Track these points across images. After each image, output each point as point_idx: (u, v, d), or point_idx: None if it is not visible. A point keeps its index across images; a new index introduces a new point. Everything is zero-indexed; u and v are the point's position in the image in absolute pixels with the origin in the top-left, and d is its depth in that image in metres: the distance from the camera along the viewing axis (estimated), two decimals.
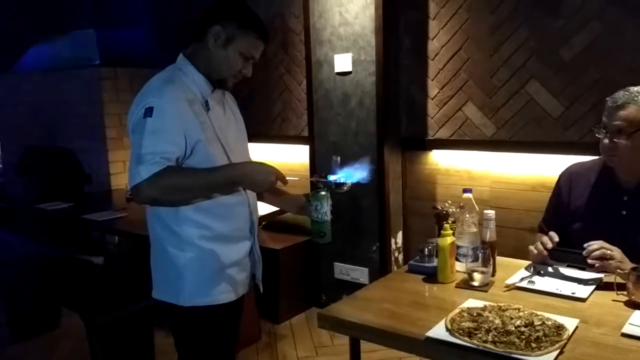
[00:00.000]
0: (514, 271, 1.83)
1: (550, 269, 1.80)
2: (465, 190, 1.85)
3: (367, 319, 1.54)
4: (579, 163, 2.04)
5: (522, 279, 1.74)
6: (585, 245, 1.68)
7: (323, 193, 1.61)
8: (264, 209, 1.95)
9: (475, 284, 1.72)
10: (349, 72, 3.27)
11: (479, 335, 1.34)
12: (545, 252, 1.76)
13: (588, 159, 2.04)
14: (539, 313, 1.44)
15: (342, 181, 1.63)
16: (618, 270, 1.63)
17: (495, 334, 1.34)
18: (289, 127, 3.99)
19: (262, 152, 3.93)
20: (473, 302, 1.56)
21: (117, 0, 4.96)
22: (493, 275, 1.78)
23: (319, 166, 3.47)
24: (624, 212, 1.82)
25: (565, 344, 1.31)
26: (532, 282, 1.71)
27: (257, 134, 3.78)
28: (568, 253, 1.75)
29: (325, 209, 1.61)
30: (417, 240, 3.25)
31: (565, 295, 1.62)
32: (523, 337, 1.32)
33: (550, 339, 1.31)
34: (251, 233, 1.75)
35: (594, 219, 1.87)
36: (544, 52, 2.82)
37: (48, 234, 4.41)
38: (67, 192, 4.49)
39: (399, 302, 1.66)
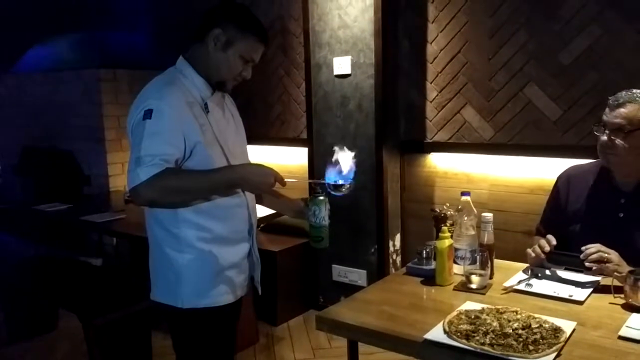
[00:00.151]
0: (512, 274, 1.83)
1: (547, 272, 1.81)
2: (463, 193, 1.85)
3: (365, 321, 1.54)
4: (577, 165, 2.05)
5: (519, 282, 1.75)
6: (583, 248, 1.69)
7: (321, 198, 1.61)
8: (262, 211, 1.95)
9: (473, 286, 1.72)
10: (348, 75, 3.27)
11: (477, 337, 1.34)
12: (542, 255, 1.77)
13: (586, 162, 2.05)
14: (536, 316, 1.45)
15: (340, 182, 1.63)
16: (615, 273, 1.63)
17: (493, 336, 1.34)
18: (287, 129, 4.00)
19: (261, 154, 3.93)
20: (471, 305, 1.56)
21: (117, 2, 4.96)
22: (491, 277, 1.79)
23: (317, 168, 3.47)
24: (621, 215, 1.82)
25: (563, 346, 1.32)
26: (530, 285, 1.72)
27: (256, 136, 3.78)
28: (565, 256, 1.76)
29: (323, 213, 1.61)
30: (415, 242, 3.25)
31: (563, 298, 1.62)
32: (520, 339, 1.32)
33: (547, 342, 1.31)
34: (250, 235, 1.75)
35: (591, 221, 1.88)
36: (542, 56, 2.83)
37: (46, 236, 4.41)
38: (66, 194, 4.49)
39: (397, 304, 1.66)
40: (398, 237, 3.42)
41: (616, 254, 1.67)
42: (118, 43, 4.85)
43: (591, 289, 1.67)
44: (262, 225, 3.55)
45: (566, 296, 1.63)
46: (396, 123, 3.35)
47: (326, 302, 3.45)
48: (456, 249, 1.81)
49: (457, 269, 1.81)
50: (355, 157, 1.64)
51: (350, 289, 2.97)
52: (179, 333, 1.71)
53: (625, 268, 1.64)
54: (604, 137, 1.77)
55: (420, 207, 3.33)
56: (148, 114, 1.51)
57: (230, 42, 1.60)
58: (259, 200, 1.86)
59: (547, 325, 1.39)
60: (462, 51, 3.10)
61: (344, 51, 3.27)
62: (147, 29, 4.88)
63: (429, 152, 3.32)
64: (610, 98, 1.79)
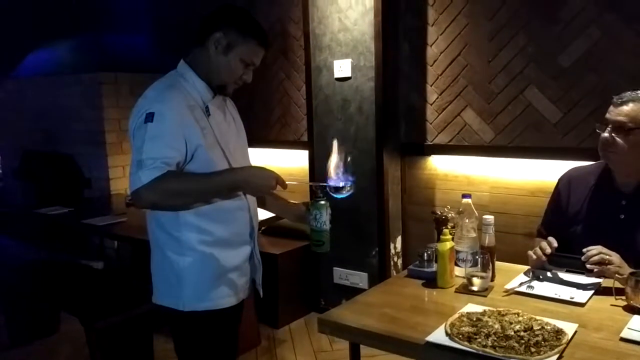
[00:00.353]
0: (513, 276, 1.83)
1: (549, 274, 1.81)
2: (464, 196, 1.86)
3: (367, 324, 1.55)
4: (578, 167, 2.05)
5: (521, 284, 1.75)
6: (584, 250, 1.69)
7: (322, 202, 1.61)
8: (263, 214, 1.96)
9: (475, 288, 1.72)
10: (349, 78, 3.28)
11: (479, 339, 1.34)
12: (544, 258, 1.77)
13: (587, 164, 2.05)
14: (538, 318, 1.45)
15: (341, 185, 1.63)
16: (617, 275, 1.63)
17: (495, 338, 1.34)
18: (288, 132, 4.00)
19: (261, 157, 3.93)
20: (472, 307, 1.56)
21: (117, 6, 4.97)
22: (492, 280, 1.79)
23: (318, 171, 3.48)
24: (622, 216, 1.83)
25: (565, 348, 1.32)
26: (531, 287, 1.72)
27: (257, 139, 3.79)
28: (567, 258, 1.76)
29: (324, 218, 1.61)
30: (416, 245, 3.25)
31: (564, 300, 1.63)
32: (522, 341, 1.32)
33: (549, 344, 1.31)
34: (251, 238, 1.75)
35: (592, 222, 1.88)
36: (542, 59, 2.84)
37: (47, 239, 4.41)
38: (67, 197, 4.50)
39: (399, 307, 1.66)
40: (399, 239, 3.42)
41: (617, 255, 1.67)
42: (119, 46, 4.86)
43: (592, 291, 1.67)
44: (263, 228, 3.56)
45: (567, 298, 1.63)
46: (396, 126, 3.35)
47: (327, 305, 3.45)
48: (457, 252, 1.82)
49: (459, 271, 1.82)
50: (348, 157, 1.65)
51: (352, 292, 2.98)
52: (180, 336, 1.71)
53: (627, 270, 1.64)
54: (606, 134, 1.78)
55: (421, 210, 3.33)
56: (149, 117, 1.51)
57: (231, 46, 1.61)
58: (261, 204, 1.87)
59: (548, 327, 1.39)
60: (462, 54, 3.11)
61: (344, 54, 3.27)
62: (147, 32, 4.89)
63: (429, 154, 3.32)
64: (614, 97, 1.80)
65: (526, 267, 1.89)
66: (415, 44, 3.28)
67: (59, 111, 4.83)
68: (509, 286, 1.75)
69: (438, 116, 3.25)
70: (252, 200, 1.75)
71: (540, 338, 1.34)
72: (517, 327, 1.39)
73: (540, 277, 1.80)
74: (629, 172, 1.83)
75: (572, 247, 1.82)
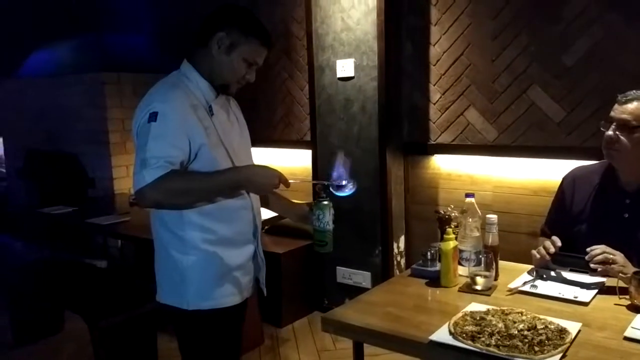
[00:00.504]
0: (517, 275, 1.83)
1: (552, 273, 1.81)
2: (467, 195, 1.86)
3: (370, 323, 1.55)
4: (582, 166, 2.05)
5: (524, 283, 1.75)
6: (588, 249, 1.69)
7: (325, 202, 1.61)
8: (267, 213, 1.96)
9: (478, 288, 1.72)
10: (351, 78, 3.28)
11: (482, 338, 1.34)
12: (547, 257, 1.77)
13: (590, 163, 2.05)
14: (541, 317, 1.45)
15: (343, 183, 1.64)
16: (620, 275, 1.63)
17: (499, 337, 1.34)
18: (291, 132, 4.01)
19: (264, 157, 3.94)
20: (476, 306, 1.56)
21: (120, 6, 4.99)
22: (496, 279, 1.79)
23: (321, 170, 3.48)
24: (627, 215, 1.83)
25: (568, 347, 1.32)
26: (535, 286, 1.72)
27: (260, 139, 3.78)
28: (570, 257, 1.76)
29: (327, 218, 1.61)
30: (419, 244, 3.26)
31: (568, 299, 1.63)
32: (526, 340, 1.32)
33: (553, 343, 1.31)
34: (254, 237, 1.76)
35: (596, 221, 1.88)
36: (545, 58, 2.84)
37: (51, 238, 4.42)
38: (71, 197, 4.51)
39: (402, 306, 1.66)
40: (402, 239, 3.42)
41: (621, 255, 1.67)
42: (122, 46, 4.87)
43: (596, 290, 1.67)
44: (266, 227, 3.56)
45: (571, 297, 1.63)
46: (399, 125, 3.35)
47: (331, 304, 3.45)
48: (461, 251, 1.82)
49: (462, 270, 1.82)
50: (348, 158, 1.66)
51: (355, 291, 2.98)
52: (184, 335, 1.72)
53: (631, 269, 1.64)
54: (610, 132, 1.78)
55: (424, 209, 3.33)
56: (153, 116, 1.52)
57: (233, 46, 1.61)
58: (264, 204, 1.87)
59: (552, 327, 1.39)
60: (465, 53, 3.10)
61: (347, 54, 3.28)
62: (150, 32, 4.90)
63: (432, 154, 3.32)
64: (619, 95, 1.81)
65: (530, 267, 1.89)
66: (418, 43, 3.27)
67: (63, 111, 4.84)
68: (512, 285, 1.75)
69: (441, 115, 3.25)
70: (255, 199, 1.76)
71: (543, 337, 1.34)
72: (521, 326, 1.39)
73: (544, 276, 1.80)
74: (632, 170, 1.83)
75: (576, 246, 1.82)
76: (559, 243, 1.78)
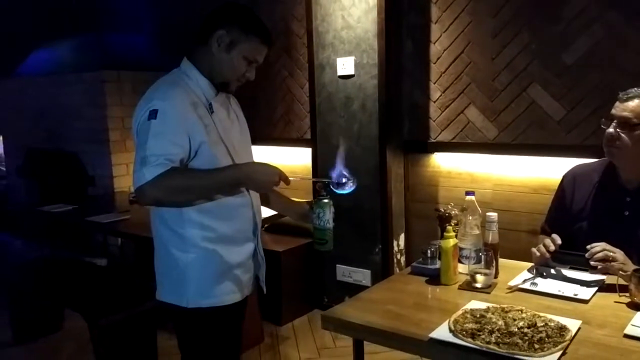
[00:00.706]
0: (517, 273, 1.83)
1: (552, 271, 1.81)
2: (468, 193, 1.86)
3: (371, 321, 1.55)
4: (582, 164, 2.05)
5: (524, 281, 1.75)
6: (588, 247, 1.69)
7: (326, 201, 1.61)
8: (267, 211, 1.96)
9: (478, 285, 1.73)
10: (352, 76, 3.28)
11: (482, 336, 1.34)
12: (547, 254, 1.77)
13: (591, 161, 2.05)
14: (541, 314, 1.45)
15: (344, 181, 1.64)
16: (620, 272, 1.63)
17: (499, 335, 1.34)
18: (291, 130, 4.01)
19: (265, 155, 3.94)
20: (476, 304, 1.57)
21: (120, 4, 4.98)
22: (496, 277, 1.79)
23: (321, 168, 3.48)
24: (627, 213, 1.83)
25: (568, 345, 1.32)
26: (535, 284, 1.72)
27: (260, 137, 3.79)
28: (570, 255, 1.76)
29: (327, 216, 1.61)
30: (419, 242, 3.26)
31: (568, 296, 1.63)
32: (526, 338, 1.32)
33: (553, 340, 1.31)
34: (254, 235, 1.76)
35: (596, 219, 1.88)
36: (545, 56, 2.83)
37: (51, 237, 4.43)
38: (71, 195, 4.51)
39: (403, 303, 1.66)
40: (402, 237, 3.43)
41: (621, 252, 1.67)
42: (121, 45, 4.87)
43: (596, 288, 1.67)
44: (266, 225, 3.56)
45: (571, 295, 1.63)
46: (400, 123, 3.35)
47: (330, 302, 3.45)
48: (461, 249, 1.82)
49: (462, 268, 1.82)
50: (345, 154, 1.66)
51: (355, 289, 2.98)
52: (184, 332, 1.72)
53: (631, 267, 1.64)
54: (611, 130, 1.78)
55: (424, 207, 3.33)
56: (153, 114, 1.52)
57: (233, 44, 1.61)
58: (265, 202, 1.87)
59: (552, 324, 1.39)
60: (466, 51, 3.10)
61: (348, 52, 3.27)
62: (150, 31, 4.90)
63: (432, 152, 3.32)
64: (620, 92, 1.81)
65: (530, 264, 1.89)
66: (418, 41, 3.27)
67: (63, 109, 4.84)
68: (512, 283, 1.75)
69: (441, 114, 3.25)
70: (255, 197, 1.75)
71: (543, 334, 1.34)
72: (521, 323, 1.39)
73: (544, 274, 1.80)
74: (633, 168, 1.83)
75: (576, 244, 1.82)
76: (559, 241, 1.78)
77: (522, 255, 2.00)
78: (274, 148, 4.04)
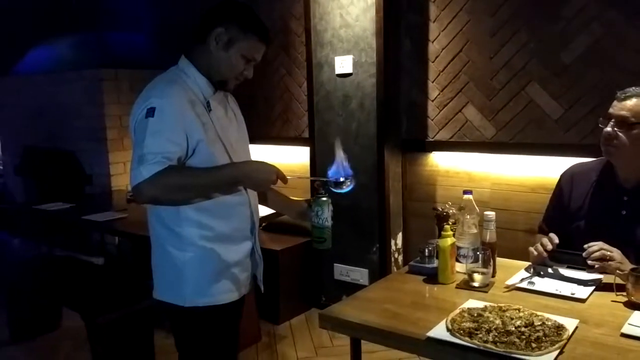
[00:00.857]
0: (514, 272, 1.83)
1: (550, 270, 1.81)
2: (465, 192, 1.86)
3: (368, 320, 1.55)
4: (580, 163, 2.05)
5: (522, 280, 1.75)
6: (585, 246, 1.69)
7: (324, 199, 1.61)
8: (264, 210, 1.96)
9: (476, 284, 1.72)
10: (350, 74, 3.28)
11: (480, 335, 1.34)
12: (545, 254, 1.77)
13: (589, 160, 2.05)
14: (539, 313, 1.45)
15: (342, 180, 1.63)
16: (617, 271, 1.63)
17: (496, 334, 1.34)
18: (289, 129, 4.00)
19: (262, 153, 3.94)
20: (473, 303, 1.56)
21: (119, 2, 4.97)
22: (493, 276, 1.79)
23: (319, 167, 3.47)
24: (624, 212, 1.83)
25: (565, 344, 1.32)
26: (532, 283, 1.72)
27: (258, 135, 3.78)
28: (568, 254, 1.76)
29: (326, 214, 1.61)
30: (417, 241, 3.26)
31: (565, 295, 1.62)
32: (523, 337, 1.32)
33: (550, 339, 1.31)
34: (252, 233, 1.75)
35: (594, 218, 1.88)
36: (544, 55, 2.84)
37: (49, 235, 4.42)
38: (68, 193, 4.50)
39: (400, 302, 1.66)
40: (400, 236, 3.43)
41: (618, 251, 1.67)
42: (119, 43, 4.86)
43: (593, 287, 1.67)
44: (264, 224, 3.56)
45: (568, 294, 1.63)
46: (398, 122, 3.35)
47: (328, 301, 3.45)
48: (458, 248, 1.82)
49: (460, 267, 1.81)
50: (346, 154, 1.65)
51: (352, 288, 2.98)
52: (181, 331, 1.72)
53: (628, 266, 1.64)
54: (608, 129, 1.78)
55: (422, 206, 3.33)
56: (150, 112, 1.51)
57: (232, 42, 1.60)
58: (263, 201, 1.87)
59: (549, 323, 1.39)
60: (464, 50, 3.10)
61: (346, 50, 3.27)
62: (148, 29, 4.89)
63: (430, 151, 3.32)
64: (618, 91, 1.81)
65: (527, 263, 1.89)
66: (416, 40, 3.27)
67: (60, 108, 4.83)
68: (510, 282, 1.75)
69: (439, 112, 3.25)
70: (253, 195, 1.75)
71: (541, 333, 1.34)
72: (518, 322, 1.39)
73: (541, 273, 1.80)
74: (630, 167, 1.83)
75: (574, 243, 1.82)
76: (556, 240, 1.78)
77: (519, 254, 2.00)
78: (272, 147, 4.04)
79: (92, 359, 2.68)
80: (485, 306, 1.52)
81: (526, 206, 2.97)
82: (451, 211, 1.95)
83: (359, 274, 3.42)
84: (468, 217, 1.82)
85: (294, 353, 3.05)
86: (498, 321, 1.41)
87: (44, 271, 3.30)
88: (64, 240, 4.50)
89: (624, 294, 1.57)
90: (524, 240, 2.84)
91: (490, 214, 1.82)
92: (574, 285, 1.69)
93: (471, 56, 3.08)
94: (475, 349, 1.31)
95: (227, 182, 1.60)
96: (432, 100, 3.27)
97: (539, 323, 1.39)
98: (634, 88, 1.78)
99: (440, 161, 3.31)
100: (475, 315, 1.46)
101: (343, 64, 3.28)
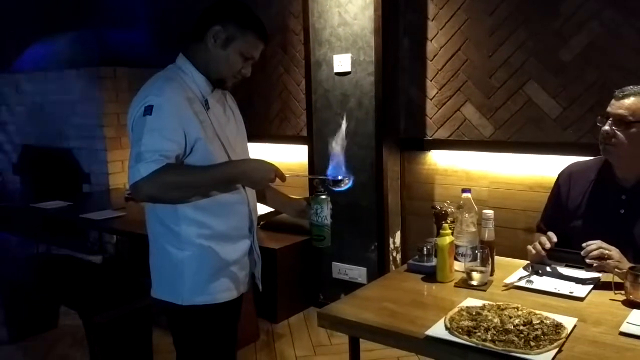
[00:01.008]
0: (513, 271, 1.83)
1: (548, 269, 1.81)
2: (464, 191, 1.86)
3: (367, 318, 1.54)
4: (578, 162, 2.05)
5: (520, 279, 1.75)
6: (584, 245, 1.69)
7: (324, 197, 1.61)
8: (263, 209, 1.96)
9: (474, 283, 1.72)
10: (348, 73, 3.27)
11: (479, 334, 1.34)
12: (543, 252, 1.77)
13: (587, 159, 2.05)
14: (537, 312, 1.45)
15: (340, 178, 1.63)
16: (616, 270, 1.63)
17: (495, 332, 1.34)
18: (288, 127, 4.00)
19: (261, 152, 3.93)
20: (472, 302, 1.56)
21: (117, 0, 4.96)
22: (492, 274, 1.79)
23: (318, 166, 3.47)
24: (623, 211, 1.83)
25: (564, 342, 1.32)
26: (531, 282, 1.72)
27: (256, 134, 3.78)
28: (566, 253, 1.76)
29: (325, 213, 1.61)
30: (415, 240, 3.26)
31: (564, 294, 1.63)
32: (522, 336, 1.32)
33: (549, 338, 1.31)
34: (250, 232, 1.75)
35: (592, 217, 1.88)
36: (542, 54, 2.83)
37: (46, 234, 4.41)
38: (66, 192, 4.49)
39: (399, 301, 1.66)
40: (398, 234, 3.43)
41: (617, 250, 1.68)
42: (118, 41, 4.84)
43: (592, 286, 1.67)
44: (262, 223, 3.56)
45: (567, 293, 1.63)
46: (396, 121, 3.35)
47: (326, 300, 3.45)
48: (457, 246, 1.82)
49: (458, 266, 1.82)
50: (343, 150, 1.65)
51: (351, 287, 2.98)
52: (179, 330, 1.71)
53: (626, 265, 1.64)
54: (606, 127, 1.78)
55: (421, 205, 3.33)
56: (149, 110, 1.51)
57: (230, 40, 1.60)
58: (262, 200, 1.86)
59: (548, 322, 1.39)
60: (463, 49, 3.10)
61: (344, 49, 3.27)
62: (147, 27, 4.88)
63: (429, 149, 3.32)
64: (616, 90, 1.81)
65: (526, 262, 1.89)
66: (415, 39, 3.27)
67: (58, 106, 4.82)
68: (508, 281, 1.75)
69: (438, 111, 3.25)
70: (251, 194, 1.75)
71: (539, 332, 1.34)
72: (517, 321, 1.39)
73: (540, 271, 1.80)
74: (629, 166, 1.83)
75: (572, 242, 1.82)
76: (555, 239, 1.78)
77: (518, 253, 2.00)
78: (270, 146, 4.03)
79: (90, 358, 2.67)
80: (484, 305, 1.52)
81: (525, 205, 2.97)
82: (450, 210, 1.95)
83: (358, 273, 3.42)
84: (467, 215, 1.82)
85: (293, 352, 3.05)
86: (497, 320, 1.41)
87: (42, 270, 3.30)
88: (61, 239, 4.50)
89: (623, 292, 1.57)
90: (522, 239, 2.84)
91: (489, 212, 1.82)
92: (573, 284, 1.69)
93: (470, 55, 3.08)
94: (474, 348, 1.31)
95: (226, 180, 1.60)
96: (431, 99, 3.27)
97: (538, 322, 1.39)
98: (632, 87, 1.78)
99: (438, 160, 3.30)
100: (474, 314, 1.45)
101: (342, 63, 3.28)
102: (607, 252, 1.66)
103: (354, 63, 3.24)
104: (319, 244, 1.64)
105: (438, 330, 1.40)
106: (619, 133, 1.76)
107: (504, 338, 1.32)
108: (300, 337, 3.23)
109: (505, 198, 3.04)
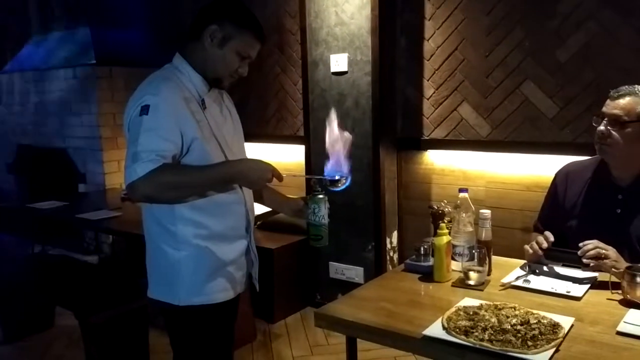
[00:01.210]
0: (510, 270, 1.83)
1: (545, 268, 1.81)
2: (461, 190, 1.85)
3: (364, 318, 1.54)
4: (575, 162, 2.05)
5: (517, 278, 1.75)
6: (581, 244, 1.70)
7: (321, 196, 1.60)
8: (259, 208, 1.95)
9: (471, 282, 1.72)
10: (345, 72, 3.27)
11: (476, 333, 1.34)
12: (540, 252, 1.77)
13: (583, 158, 2.05)
14: (534, 311, 1.45)
15: (337, 178, 1.63)
16: (613, 270, 1.64)
17: (492, 332, 1.34)
18: (284, 127, 3.99)
19: (257, 152, 3.92)
20: (469, 301, 1.56)
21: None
22: (489, 274, 1.79)
23: (314, 166, 3.47)
24: (619, 211, 1.83)
25: (561, 342, 1.32)
26: (528, 281, 1.72)
27: (252, 134, 3.78)
28: (563, 252, 1.76)
29: (322, 212, 1.60)
30: (412, 240, 3.25)
31: (561, 294, 1.63)
32: (519, 335, 1.32)
33: (546, 337, 1.31)
34: (247, 232, 1.74)
35: (588, 217, 1.88)
36: (539, 53, 2.84)
37: (42, 234, 4.39)
38: (62, 192, 4.48)
39: (396, 301, 1.66)
40: (395, 234, 3.43)
41: (614, 250, 1.68)
42: (114, 40, 4.83)
43: (589, 285, 1.67)
44: (259, 222, 3.55)
45: (564, 292, 1.63)
46: (393, 120, 3.35)
47: (323, 300, 3.45)
48: (454, 246, 1.82)
49: (455, 265, 1.81)
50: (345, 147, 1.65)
51: (347, 287, 2.98)
52: (176, 330, 1.71)
53: (623, 264, 1.64)
54: (602, 127, 1.78)
55: (417, 204, 3.33)
56: (145, 109, 1.50)
57: (226, 39, 1.60)
58: (259, 199, 1.86)
59: (545, 321, 1.39)
60: (459, 48, 3.10)
61: (341, 48, 3.26)
62: (143, 26, 4.86)
63: (425, 149, 3.32)
64: (611, 90, 1.81)
65: (523, 262, 1.90)
66: (412, 38, 3.27)
67: (54, 105, 4.80)
68: (505, 280, 1.75)
69: (434, 111, 3.25)
70: (248, 193, 1.74)
71: (536, 332, 1.33)
72: (514, 320, 1.39)
73: (537, 271, 1.80)
74: (624, 166, 1.83)
75: (569, 242, 1.82)
76: (551, 238, 1.78)
77: (515, 252, 2.00)
78: (266, 145, 4.03)
79: (86, 358, 2.66)
80: (481, 304, 1.52)
81: (521, 204, 2.97)
82: (447, 209, 1.95)
83: (354, 273, 3.42)
84: (463, 215, 1.82)
85: (289, 352, 3.05)
86: (494, 319, 1.41)
87: (38, 270, 3.28)
88: (57, 239, 4.48)
89: (619, 292, 1.58)
90: (519, 238, 2.85)
91: (486, 212, 1.82)
92: (570, 284, 1.69)
93: (466, 54, 3.08)
94: (471, 348, 1.30)
95: (222, 180, 1.59)
96: (428, 99, 3.27)
97: (535, 321, 1.39)
98: (627, 86, 1.78)
99: (435, 159, 3.31)
100: (471, 313, 1.45)
101: (338, 62, 3.28)
102: (603, 251, 1.66)
103: (350, 62, 3.24)
104: (316, 244, 1.63)
105: (435, 329, 1.40)
106: (614, 133, 1.76)
107: (501, 337, 1.32)
108: (297, 337, 3.22)
109: (502, 197, 3.05)
